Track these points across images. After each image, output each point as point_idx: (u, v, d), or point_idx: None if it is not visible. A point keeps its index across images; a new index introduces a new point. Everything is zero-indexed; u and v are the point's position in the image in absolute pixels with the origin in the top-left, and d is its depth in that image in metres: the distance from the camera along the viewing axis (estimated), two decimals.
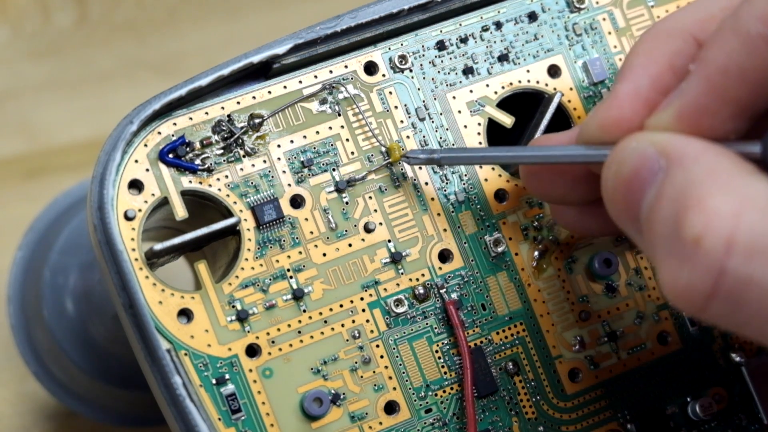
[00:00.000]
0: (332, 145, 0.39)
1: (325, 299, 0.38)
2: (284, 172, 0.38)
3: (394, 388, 0.38)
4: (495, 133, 0.40)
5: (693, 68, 0.32)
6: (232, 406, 0.37)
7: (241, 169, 0.38)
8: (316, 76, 0.39)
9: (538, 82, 0.41)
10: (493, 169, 0.40)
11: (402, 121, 0.39)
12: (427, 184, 0.39)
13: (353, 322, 0.38)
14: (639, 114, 0.34)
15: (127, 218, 0.37)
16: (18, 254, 0.54)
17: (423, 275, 0.39)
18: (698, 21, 0.34)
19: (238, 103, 0.38)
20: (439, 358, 0.39)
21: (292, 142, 0.39)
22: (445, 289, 0.39)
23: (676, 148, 0.31)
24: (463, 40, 0.40)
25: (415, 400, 0.38)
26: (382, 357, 0.38)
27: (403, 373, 0.38)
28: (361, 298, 0.38)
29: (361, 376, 0.38)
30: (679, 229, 0.29)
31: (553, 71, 0.41)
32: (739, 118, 0.32)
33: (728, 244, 0.29)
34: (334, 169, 0.39)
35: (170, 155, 0.38)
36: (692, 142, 0.31)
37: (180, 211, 0.38)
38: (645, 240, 0.32)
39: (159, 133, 0.38)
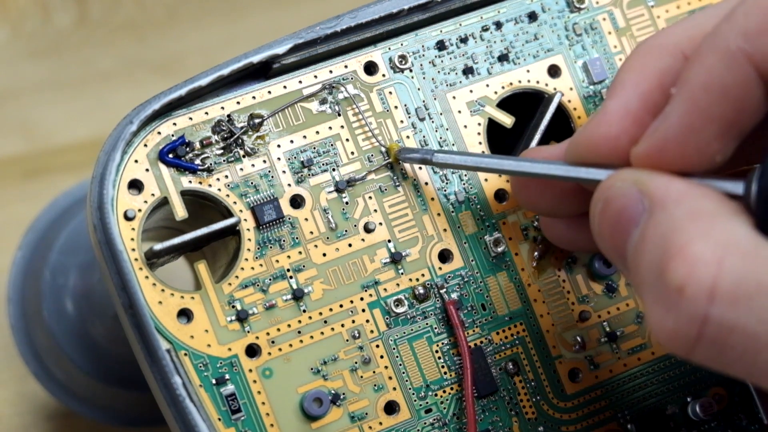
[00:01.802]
0: (332, 145, 0.39)
1: (325, 299, 0.38)
2: (284, 172, 0.38)
3: (394, 388, 0.38)
4: (495, 133, 0.40)
5: (674, 91, 0.32)
6: (232, 406, 0.37)
7: (241, 169, 0.38)
8: (316, 76, 0.39)
9: (538, 82, 0.41)
10: None
11: (402, 121, 0.39)
12: (427, 184, 0.39)
13: (353, 322, 0.38)
14: (628, 132, 0.34)
15: (127, 218, 0.37)
16: (18, 254, 0.54)
17: (423, 275, 0.39)
18: (689, 38, 0.34)
19: (238, 103, 0.38)
20: (439, 358, 0.39)
21: (292, 142, 0.39)
22: (445, 289, 0.39)
23: (658, 189, 0.31)
24: (463, 40, 0.40)
25: (415, 400, 0.38)
26: (382, 357, 0.38)
27: (403, 373, 0.38)
28: (361, 298, 0.38)
29: (361, 376, 0.38)
30: (663, 277, 0.30)
31: (553, 71, 0.41)
32: (725, 137, 0.32)
33: (711, 292, 0.29)
34: (334, 169, 0.39)
35: (170, 155, 0.38)
36: (674, 183, 0.31)
37: (180, 211, 0.38)
38: (632, 279, 0.32)
39: (159, 133, 0.38)
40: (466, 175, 0.40)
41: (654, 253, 0.30)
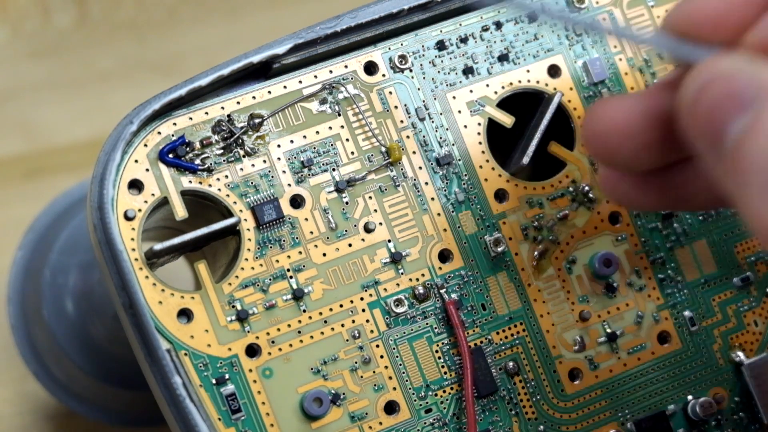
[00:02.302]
0: (332, 145, 0.39)
1: (325, 299, 0.38)
2: (284, 172, 0.38)
3: (394, 388, 0.38)
4: (495, 133, 0.40)
5: None
6: (232, 406, 0.37)
7: (241, 169, 0.38)
8: (316, 76, 0.39)
9: (538, 82, 0.41)
10: (493, 169, 0.40)
11: (402, 121, 0.39)
12: (427, 184, 0.39)
13: (353, 322, 0.38)
14: (736, 12, 0.32)
15: (127, 218, 0.37)
16: (18, 254, 0.54)
17: (423, 275, 0.39)
18: None
19: (238, 103, 0.38)
20: (439, 358, 0.39)
21: (292, 142, 0.39)
22: (445, 289, 0.39)
23: None
24: (463, 40, 0.40)
25: (415, 400, 0.38)
26: (382, 357, 0.38)
27: (403, 373, 0.38)
28: (361, 298, 0.38)
29: (361, 376, 0.38)
30: None
31: (553, 71, 0.41)
32: None
33: None
34: (334, 169, 0.39)
35: (170, 155, 0.38)
36: None
37: (180, 211, 0.38)
38: (726, 167, 0.30)
39: (159, 133, 0.38)
40: (466, 175, 0.40)
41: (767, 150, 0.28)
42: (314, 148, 0.39)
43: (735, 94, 0.30)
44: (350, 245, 0.39)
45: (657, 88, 0.34)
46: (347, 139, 0.39)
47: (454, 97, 0.40)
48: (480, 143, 0.40)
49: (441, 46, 0.40)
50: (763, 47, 0.31)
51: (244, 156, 0.38)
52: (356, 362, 0.38)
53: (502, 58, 0.40)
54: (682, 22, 0.32)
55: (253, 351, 0.38)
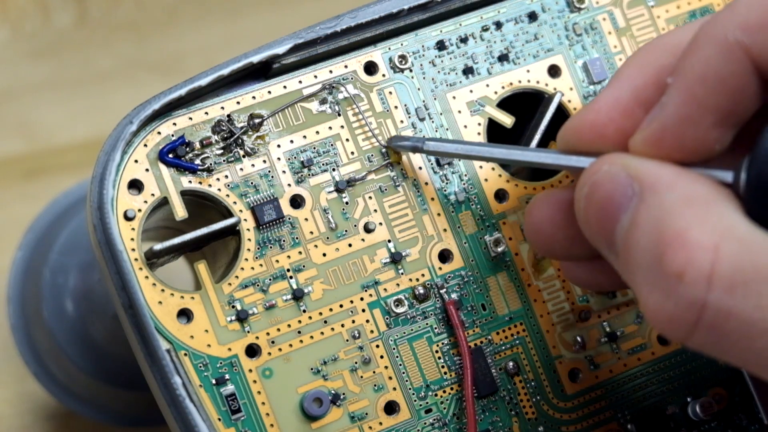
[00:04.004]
0: (332, 145, 0.39)
1: (325, 299, 0.38)
2: (284, 172, 0.38)
3: (394, 389, 0.38)
4: (495, 133, 0.40)
5: (671, 81, 0.32)
6: (232, 406, 0.37)
7: (241, 169, 0.38)
8: (316, 76, 0.39)
9: (538, 82, 0.41)
10: (493, 168, 0.40)
11: (402, 121, 0.39)
12: (427, 184, 0.39)
13: (353, 322, 0.38)
14: (615, 121, 0.34)
15: (127, 218, 0.37)
16: (18, 254, 0.54)
17: (423, 275, 0.39)
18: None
19: (238, 103, 0.38)
20: (439, 358, 0.39)
21: (292, 142, 0.39)
22: (445, 289, 0.39)
23: (648, 174, 0.31)
24: (463, 40, 0.40)
25: (415, 401, 0.38)
26: (382, 357, 0.38)
27: (403, 373, 0.38)
28: (361, 298, 0.38)
29: (361, 376, 0.38)
30: (660, 263, 0.30)
31: (553, 71, 0.41)
32: (723, 126, 0.32)
33: (709, 278, 0.29)
34: (334, 169, 0.39)
35: (170, 155, 0.38)
36: (665, 168, 0.32)
37: (180, 211, 0.38)
38: (621, 264, 0.32)
39: (159, 133, 0.38)
40: (466, 175, 0.40)
41: (648, 239, 0.30)
42: (314, 148, 0.39)
43: (615, 195, 0.32)
44: (350, 245, 0.39)
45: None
46: (347, 139, 0.39)
47: (454, 97, 0.40)
48: None
49: (441, 46, 0.40)
50: (645, 146, 0.33)
51: (244, 156, 0.38)
52: (356, 362, 0.38)
53: (502, 58, 0.40)
54: (570, 135, 0.35)
55: (253, 351, 0.38)
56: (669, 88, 0.32)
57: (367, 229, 0.39)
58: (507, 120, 0.40)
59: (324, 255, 0.38)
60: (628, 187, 0.32)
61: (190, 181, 0.38)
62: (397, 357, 0.38)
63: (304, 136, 0.39)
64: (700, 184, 0.31)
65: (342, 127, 0.39)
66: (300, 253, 0.38)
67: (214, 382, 0.37)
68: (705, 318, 0.29)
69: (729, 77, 0.31)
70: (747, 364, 0.30)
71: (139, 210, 0.37)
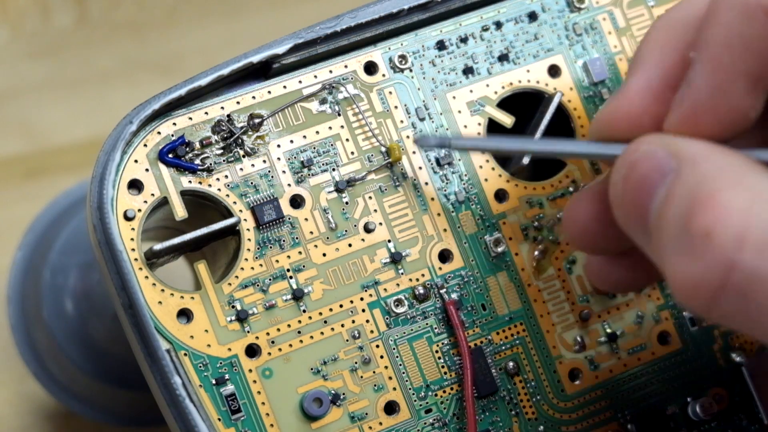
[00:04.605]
0: (332, 145, 0.39)
1: (325, 299, 0.38)
2: (284, 172, 0.38)
3: (394, 389, 0.38)
4: (495, 133, 0.40)
5: (694, 54, 0.32)
6: (232, 406, 0.37)
7: (241, 169, 0.38)
8: (316, 76, 0.39)
9: (538, 82, 0.41)
10: (493, 169, 0.40)
11: (402, 121, 0.39)
12: (427, 184, 0.39)
13: (353, 322, 0.38)
14: (649, 109, 0.33)
15: (127, 218, 0.37)
16: (18, 254, 0.54)
17: (423, 275, 0.39)
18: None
19: (238, 103, 0.38)
20: (439, 358, 0.39)
21: (291, 142, 0.39)
22: (445, 289, 0.39)
23: (687, 149, 0.31)
24: (463, 40, 0.40)
25: (415, 401, 0.38)
26: (382, 357, 0.38)
27: (403, 373, 0.38)
28: (361, 298, 0.38)
29: (361, 377, 0.38)
30: (689, 224, 0.29)
31: (553, 71, 0.41)
32: (755, 91, 0.31)
33: (740, 239, 0.28)
34: (334, 169, 0.39)
35: (170, 155, 0.38)
36: (703, 144, 0.31)
37: (180, 211, 0.38)
38: (653, 243, 0.31)
39: (159, 133, 0.38)
40: (466, 175, 0.40)
41: (681, 206, 0.29)
42: (314, 148, 0.39)
43: (653, 173, 0.31)
44: (350, 245, 0.39)
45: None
46: (347, 139, 0.39)
47: (454, 97, 0.40)
48: None
49: (441, 46, 0.40)
50: (681, 126, 0.32)
51: (243, 156, 0.38)
52: (356, 362, 0.38)
53: (502, 58, 0.40)
54: (604, 126, 0.34)
55: (252, 351, 0.38)
56: (694, 63, 0.32)
57: (367, 229, 0.39)
58: (507, 120, 0.40)
59: (324, 255, 0.38)
60: (667, 163, 0.31)
61: (190, 181, 0.38)
62: (397, 357, 0.38)
63: (304, 136, 0.39)
64: (736, 156, 0.30)
65: (342, 127, 0.39)
66: (300, 253, 0.38)
67: (214, 382, 0.37)
68: (733, 281, 0.28)
69: (754, 40, 0.31)
70: None
71: (139, 210, 0.37)
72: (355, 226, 0.39)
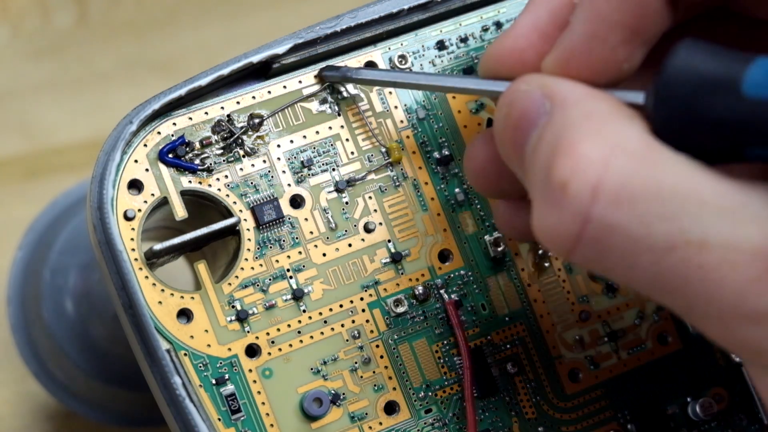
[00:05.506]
0: (332, 145, 0.39)
1: (325, 299, 0.38)
2: (284, 172, 0.38)
3: (394, 389, 0.38)
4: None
5: (577, 0, 0.32)
6: (232, 406, 0.37)
7: (241, 169, 0.38)
8: (316, 76, 0.39)
9: None
10: None
11: (402, 121, 0.39)
12: (427, 184, 0.39)
13: (353, 322, 0.38)
14: (534, 46, 0.34)
15: (127, 218, 0.37)
16: (18, 254, 0.54)
17: (423, 275, 0.39)
18: None
19: (238, 103, 0.38)
20: (439, 358, 0.39)
21: (291, 142, 0.39)
22: (445, 289, 0.39)
23: (560, 92, 0.31)
24: (463, 40, 0.40)
25: (415, 401, 0.38)
26: (382, 357, 0.38)
27: (403, 373, 0.38)
28: (361, 298, 0.38)
29: (361, 377, 0.38)
30: (550, 174, 0.29)
31: None
32: (630, 44, 0.32)
33: (594, 191, 0.29)
34: (334, 169, 0.39)
35: (170, 155, 0.38)
36: (577, 87, 0.31)
37: (180, 211, 0.38)
38: (526, 183, 0.31)
39: (159, 133, 0.38)
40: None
41: (545, 152, 0.30)
42: (314, 148, 0.39)
43: (529, 113, 0.31)
44: (350, 245, 0.39)
45: None
46: (347, 139, 0.39)
47: (454, 97, 0.40)
48: None
49: (441, 46, 0.40)
50: (556, 67, 0.32)
51: (243, 156, 0.38)
52: (356, 362, 0.38)
53: None
54: (492, 62, 0.34)
55: (252, 351, 0.38)
56: (576, 7, 0.32)
57: (367, 229, 0.39)
58: None
59: (324, 255, 0.38)
60: (542, 104, 0.31)
61: (190, 181, 0.38)
62: (397, 357, 0.38)
63: (304, 136, 0.39)
64: (605, 102, 0.31)
65: (342, 127, 0.39)
66: (300, 253, 0.38)
67: (214, 382, 0.37)
68: (588, 231, 0.29)
69: None
70: (631, 281, 0.29)
71: (139, 210, 0.37)
72: (355, 226, 0.39)
